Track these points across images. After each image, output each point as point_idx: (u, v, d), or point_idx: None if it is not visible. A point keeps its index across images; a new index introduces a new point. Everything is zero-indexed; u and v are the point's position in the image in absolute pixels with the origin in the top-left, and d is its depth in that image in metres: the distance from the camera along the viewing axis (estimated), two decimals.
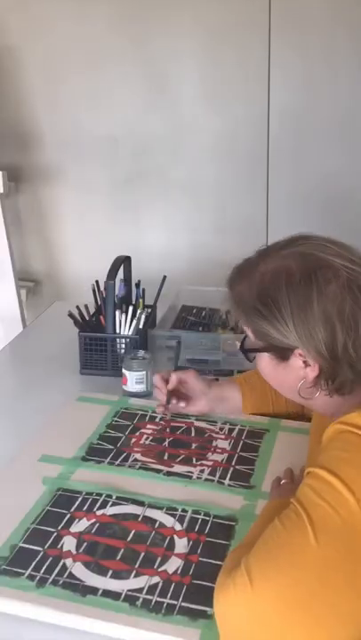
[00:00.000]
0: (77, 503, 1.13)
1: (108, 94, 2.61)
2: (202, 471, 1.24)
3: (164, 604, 0.93)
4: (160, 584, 0.96)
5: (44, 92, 2.65)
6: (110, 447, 1.31)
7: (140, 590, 0.95)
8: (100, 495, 1.15)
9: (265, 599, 0.79)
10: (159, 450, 1.31)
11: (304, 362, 0.97)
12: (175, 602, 0.93)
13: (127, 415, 1.43)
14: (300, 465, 1.19)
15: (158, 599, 0.93)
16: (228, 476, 1.22)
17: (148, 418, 1.43)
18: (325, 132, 2.51)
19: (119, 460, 1.27)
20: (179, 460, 1.27)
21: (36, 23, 2.55)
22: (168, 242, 2.74)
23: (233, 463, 1.26)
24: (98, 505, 1.12)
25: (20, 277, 2.67)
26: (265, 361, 1.03)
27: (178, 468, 1.24)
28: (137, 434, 1.36)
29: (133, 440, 1.34)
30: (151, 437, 1.35)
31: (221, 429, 1.38)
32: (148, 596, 0.94)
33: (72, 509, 1.11)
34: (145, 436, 1.35)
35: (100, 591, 0.94)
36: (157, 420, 1.42)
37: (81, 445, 1.31)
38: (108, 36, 2.52)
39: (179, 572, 0.98)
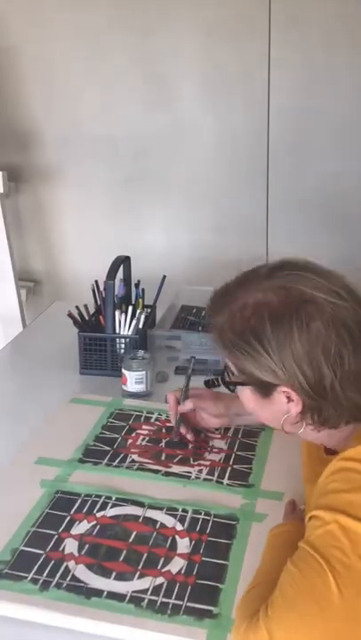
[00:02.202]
0: (77, 505, 1.12)
1: (108, 94, 2.60)
2: (200, 471, 1.24)
3: (170, 605, 0.93)
4: (165, 585, 0.96)
5: (43, 92, 2.65)
6: (107, 448, 1.30)
7: (144, 591, 0.95)
8: (100, 497, 1.15)
9: None
10: (156, 450, 1.30)
11: (287, 397, 0.93)
12: (180, 602, 0.93)
13: (122, 416, 1.43)
14: (297, 463, 1.20)
15: (164, 600, 0.93)
16: (227, 475, 1.23)
17: (143, 418, 1.42)
18: (326, 131, 2.51)
19: (116, 461, 1.26)
20: (176, 460, 1.27)
21: (36, 23, 2.55)
22: (168, 242, 2.74)
23: (231, 462, 1.27)
24: (98, 507, 1.12)
25: (20, 277, 2.67)
26: (247, 394, 1.00)
27: (176, 469, 1.24)
28: (133, 435, 1.36)
29: (130, 441, 1.34)
30: (147, 438, 1.35)
31: (217, 429, 1.38)
32: (154, 597, 0.94)
33: (72, 511, 1.11)
34: (141, 437, 1.35)
35: (105, 593, 0.94)
36: (153, 420, 1.42)
37: (77, 447, 1.30)
38: (108, 36, 2.52)
39: (182, 572, 0.99)
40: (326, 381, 0.89)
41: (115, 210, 2.75)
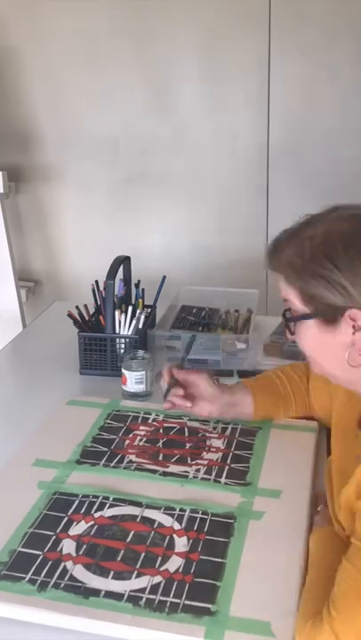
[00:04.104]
0: (74, 506, 1.12)
1: (109, 94, 2.61)
2: (198, 470, 1.24)
3: (168, 603, 0.93)
4: (162, 583, 0.96)
5: (44, 92, 2.65)
6: (104, 449, 1.31)
7: (142, 590, 0.95)
8: (97, 497, 1.15)
9: None
10: (153, 451, 1.30)
11: (353, 326, 0.93)
12: (178, 600, 0.93)
13: (119, 417, 1.43)
14: (294, 461, 1.21)
15: (161, 598, 0.93)
16: (224, 474, 1.23)
17: (140, 419, 1.42)
18: (326, 131, 2.51)
19: (114, 461, 1.26)
20: (174, 460, 1.27)
21: (36, 23, 2.55)
22: (168, 242, 2.74)
23: (228, 461, 1.27)
24: (95, 507, 1.12)
25: (20, 277, 2.67)
26: (309, 331, 0.99)
27: (173, 468, 1.24)
28: (130, 435, 1.36)
29: (127, 442, 1.34)
30: (145, 439, 1.35)
31: (215, 428, 1.38)
32: (151, 596, 0.94)
33: (69, 512, 1.11)
34: (138, 438, 1.35)
35: (103, 592, 0.94)
36: (150, 421, 1.42)
37: (74, 448, 1.30)
38: (109, 35, 2.52)
39: (180, 570, 0.99)
40: None
41: (115, 210, 2.75)
